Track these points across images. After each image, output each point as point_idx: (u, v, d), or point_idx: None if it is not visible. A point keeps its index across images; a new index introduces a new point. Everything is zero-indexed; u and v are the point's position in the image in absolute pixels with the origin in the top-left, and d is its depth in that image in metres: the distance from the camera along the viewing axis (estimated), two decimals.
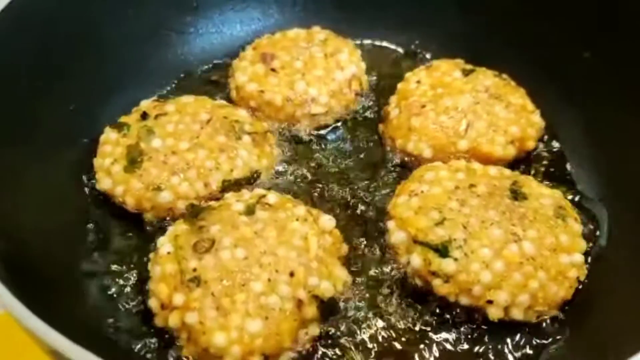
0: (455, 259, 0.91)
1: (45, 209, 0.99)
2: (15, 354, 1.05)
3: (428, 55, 1.37)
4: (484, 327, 0.93)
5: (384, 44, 1.41)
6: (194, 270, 0.88)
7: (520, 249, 0.92)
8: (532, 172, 1.13)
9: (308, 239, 0.93)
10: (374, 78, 1.32)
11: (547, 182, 1.10)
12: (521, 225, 0.95)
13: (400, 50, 1.40)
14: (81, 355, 0.65)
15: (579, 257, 0.95)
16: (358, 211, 1.08)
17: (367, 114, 1.25)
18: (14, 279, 0.73)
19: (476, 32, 1.33)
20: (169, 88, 1.29)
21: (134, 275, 0.99)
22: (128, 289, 0.97)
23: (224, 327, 0.83)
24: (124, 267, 1.00)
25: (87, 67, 1.16)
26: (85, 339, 0.68)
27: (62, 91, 1.11)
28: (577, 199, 1.09)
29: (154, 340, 0.91)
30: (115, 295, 0.97)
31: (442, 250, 0.92)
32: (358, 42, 1.33)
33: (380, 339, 0.92)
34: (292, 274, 0.88)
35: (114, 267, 1.00)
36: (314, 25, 1.32)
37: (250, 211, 0.95)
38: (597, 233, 1.04)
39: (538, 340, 0.93)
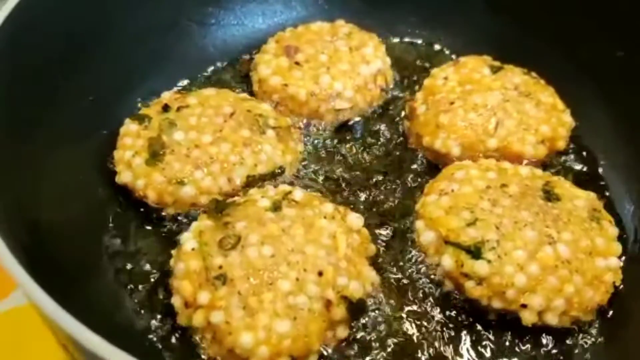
0: (489, 261, 0.88)
1: (65, 202, 0.97)
2: (24, 348, 1.03)
3: (453, 52, 1.34)
4: (515, 332, 0.91)
5: (408, 39, 1.38)
6: (220, 267, 0.85)
7: (555, 251, 0.89)
8: (562, 172, 1.10)
9: (337, 238, 0.90)
10: (398, 74, 1.28)
11: (578, 183, 1.07)
12: (555, 227, 0.92)
13: (425, 46, 1.37)
14: (107, 350, 0.62)
15: (615, 261, 0.92)
16: (384, 210, 1.05)
17: (391, 110, 1.22)
18: (37, 271, 0.70)
19: (502, 29, 1.30)
20: (188, 80, 1.26)
21: (156, 271, 0.96)
22: (148, 286, 0.94)
23: (251, 327, 0.80)
24: (144, 263, 0.97)
25: (106, 57, 1.12)
26: (106, 332, 0.65)
27: (81, 82, 1.07)
28: (608, 201, 1.06)
29: (175, 338, 0.88)
30: (135, 291, 0.94)
31: (475, 252, 0.89)
32: (381, 36, 1.30)
33: (407, 341, 0.90)
34: (320, 274, 0.85)
35: (134, 263, 0.97)
36: (337, 19, 1.29)
37: (276, 207, 0.92)
38: (630, 237, 1.02)
39: (571, 347, 0.90)
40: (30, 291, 0.68)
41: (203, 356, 0.85)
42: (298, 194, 0.96)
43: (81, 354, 0.70)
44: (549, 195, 0.97)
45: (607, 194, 1.08)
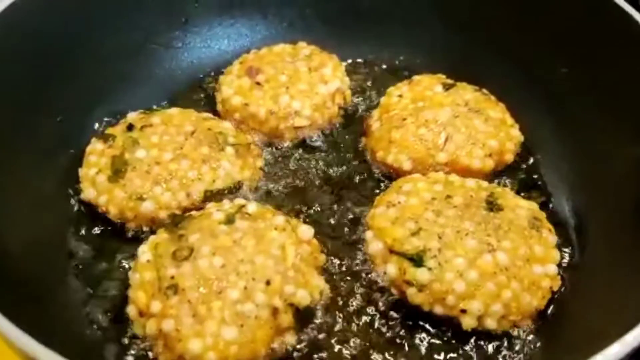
0: (430, 269, 0.93)
1: (33, 220, 1.01)
2: None
3: (411, 71, 1.39)
4: (458, 337, 0.95)
5: (368, 59, 1.43)
6: (172, 278, 0.89)
7: (494, 259, 0.93)
8: (510, 184, 1.15)
9: (285, 248, 0.94)
10: (358, 93, 1.34)
11: (524, 194, 1.12)
12: (496, 236, 0.96)
13: (384, 66, 1.42)
14: None
15: (552, 268, 0.96)
16: (338, 221, 1.10)
17: (350, 127, 1.28)
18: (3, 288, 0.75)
19: (458, 49, 1.36)
20: (156, 100, 1.31)
21: (117, 283, 1.00)
22: (110, 298, 0.99)
23: (200, 334, 0.84)
24: (107, 276, 1.02)
25: (75, 78, 1.18)
26: (68, 345, 0.70)
27: (50, 102, 1.13)
28: (552, 211, 1.11)
29: (132, 347, 0.92)
30: (98, 303, 0.98)
31: (417, 260, 0.94)
32: (343, 57, 1.35)
33: (355, 348, 0.94)
34: (268, 282, 0.89)
35: (97, 276, 1.02)
36: (301, 41, 1.35)
37: (229, 220, 0.97)
38: (571, 245, 1.06)
39: (512, 350, 0.94)
40: None
41: None
42: (251, 207, 1.00)
43: None
44: (492, 206, 1.01)
45: (551, 204, 1.13)
